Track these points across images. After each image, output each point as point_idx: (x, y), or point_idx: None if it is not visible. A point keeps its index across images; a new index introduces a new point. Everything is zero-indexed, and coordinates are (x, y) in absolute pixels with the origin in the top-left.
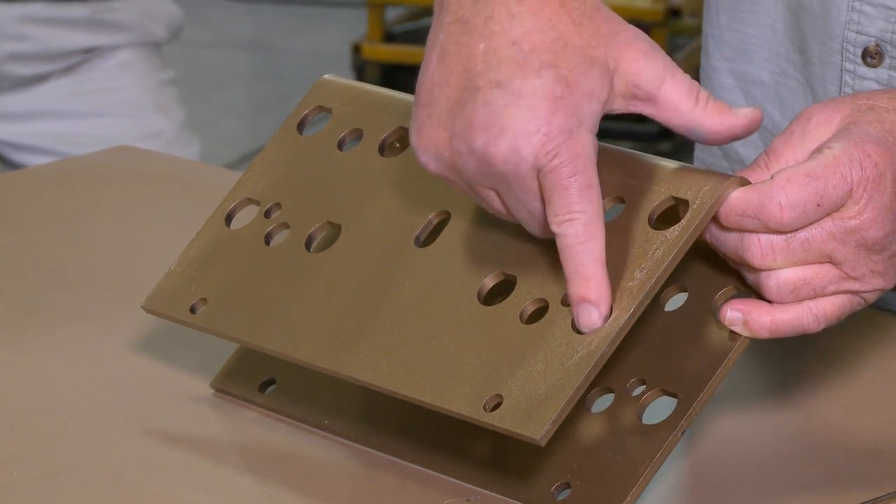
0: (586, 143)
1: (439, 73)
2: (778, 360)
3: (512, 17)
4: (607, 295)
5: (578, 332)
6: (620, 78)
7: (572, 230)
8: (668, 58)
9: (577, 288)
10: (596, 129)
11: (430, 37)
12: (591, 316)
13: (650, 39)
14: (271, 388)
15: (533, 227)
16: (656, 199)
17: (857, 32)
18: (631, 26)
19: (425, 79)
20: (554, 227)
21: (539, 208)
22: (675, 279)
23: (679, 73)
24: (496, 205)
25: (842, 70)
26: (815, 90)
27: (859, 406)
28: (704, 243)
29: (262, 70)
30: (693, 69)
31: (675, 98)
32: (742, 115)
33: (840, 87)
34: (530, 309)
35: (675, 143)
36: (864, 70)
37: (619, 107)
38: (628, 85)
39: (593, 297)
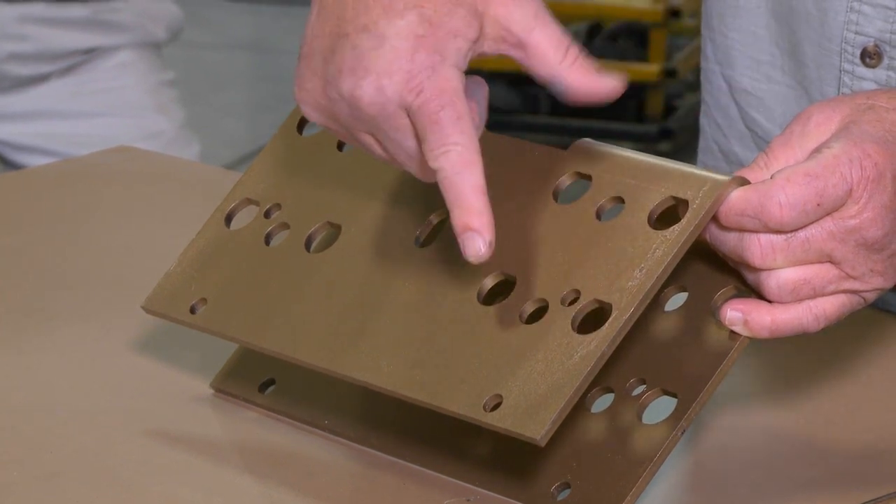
0: (451, 78)
1: (317, 25)
2: (778, 360)
3: None
4: (489, 222)
5: (577, 333)
6: (490, 21)
7: (448, 162)
8: (541, 6)
9: (459, 217)
10: (463, 66)
11: None
12: (476, 243)
13: None
14: (271, 388)
15: (413, 169)
16: (656, 198)
17: (856, 33)
18: None
19: (307, 32)
20: (431, 163)
21: (414, 146)
22: (674, 279)
23: (550, 23)
24: (376, 149)
25: (840, 71)
26: (811, 93)
27: (859, 406)
28: (704, 243)
29: (262, 71)
30: (693, 69)
31: (543, 47)
32: (605, 81)
33: (839, 89)
34: (530, 309)
35: (675, 144)
36: (862, 70)
37: (489, 49)
38: (498, 28)
39: (476, 225)
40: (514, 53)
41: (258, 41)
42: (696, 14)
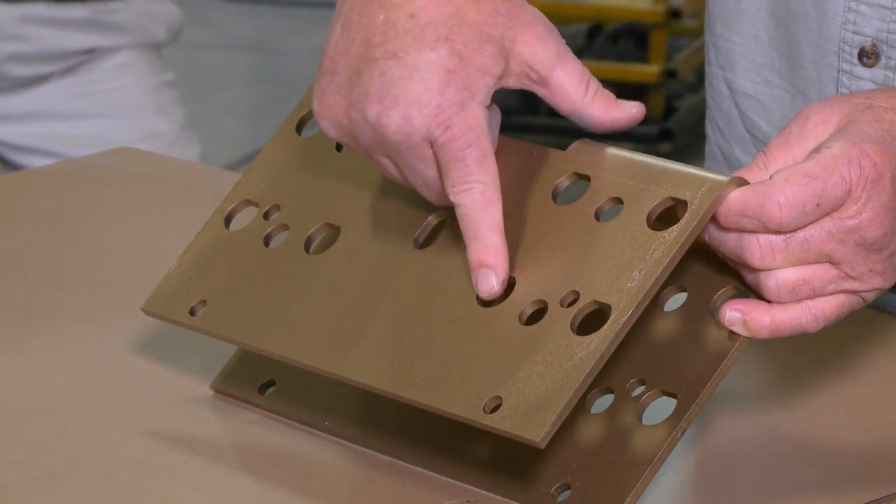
0: (478, 116)
1: (342, 42)
2: (777, 361)
3: None
4: (505, 261)
5: (577, 334)
6: (515, 58)
7: (470, 199)
8: (562, 44)
9: (476, 253)
10: (488, 103)
11: (337, 5)
12: (490, 280)
13: (548, 23)
14: (271, 389)
15: (428, 195)
16: (655, 199)
17: (854, 33)
18: (531, 8)
19: (329, 46)
20: (452, 197)
21: (432, 176)
22: (674, 279)
23: (571, 60)
24: (392, 171)
25: (839, 71)
26: (809, 95)
27: (859, 406)
28: (703, 244)
29: (262, 71)
30: (693, 70)
31: (566, 85)
32: (625, 110)
33: (837, 89)
34: (529, 310)
35: (676, 145)
36: (860, 70)
37: (513, 84)
38: (523, 66)
39: (491, 262)
40: (538, 90)
41: (258, 42)
42: (697, 15)
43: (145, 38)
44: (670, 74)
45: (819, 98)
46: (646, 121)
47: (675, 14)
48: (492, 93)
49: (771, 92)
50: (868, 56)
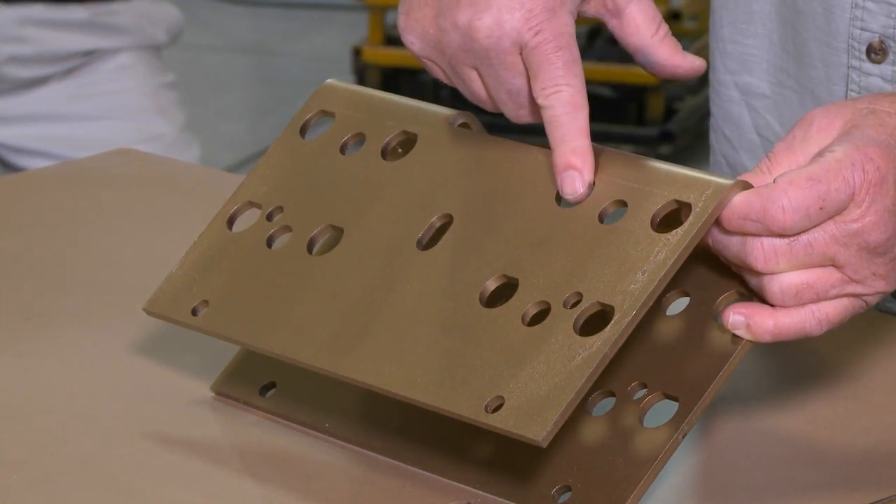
0: (568, 23)
1: None
2: (778, 363)
3: None
4: (591, 163)
5: (580, 335)
6: None
7: (559, 101)
8: None
9: (564, 155)
10: (576, 14)
11: None
12: (576, 182)
13: None
14: (272, 391)
15: (511, 109)
16: (659, 202)
17: (862, 29)
18: None
19: None
20: (541, 100)
21: (518, 85)
22: (676, 284)
23: None
24: (476, 86)
25: (848, 68)
26: (818, 93)
27: (859, 408)
28: (706, 249)
29: (263, 73)
30: None
31: (638, 20)
32: (689, 59)
33: (847, 86)
34: (532, 311)
35: (676, 147)
36: (869, 66)
37: (591, 10)
38: None
39: (579, 164)
40: (611, 21)
41: (258, 44)
42: (697, 17)
43: (145, 40)
44: None
45: (829, 96)
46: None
47: (675, 16)
48: (578, 4)
49: (783, 92)
50: (876, 52)
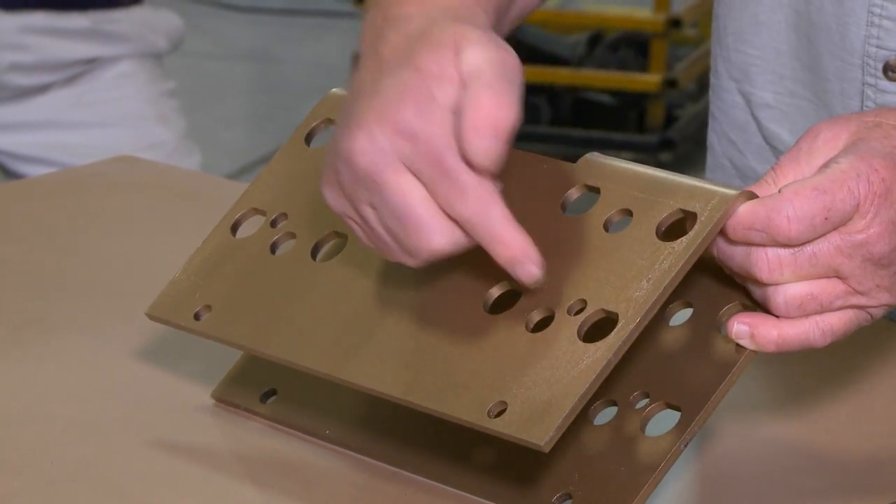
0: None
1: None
2: (780, 370)
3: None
4: (530, 245)
5: (583, 342)
6: None
7: (469, 208)
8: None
9: (502, 253)
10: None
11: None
12: (527, 268)
13: None
14: (272, 398)
15: (398, 252)
16: (664, 211)
17: (878, 47)
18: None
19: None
20: (451, 212)
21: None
22: (680, 295)
23: None
24: (372, 223)
25: (863, 84)
26: (832, 106)
27: (860, 415)
28: (710, 260)
29: (263, 81)
30: (694, 79)
31: None
32: None
33: (862, 102)
34: (536, 318)
35: (676, 154)
36: (885, 84)
37: None
38: None
39: (519, 254)
40: None
41: (259, 51)
42: (698, 24)
43: (146, 48)
44: (671, 84)
45: (843, 110)
46: (646, 130)
47: (675, 23)
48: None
49: (794, 102)
50: (893, 70)
